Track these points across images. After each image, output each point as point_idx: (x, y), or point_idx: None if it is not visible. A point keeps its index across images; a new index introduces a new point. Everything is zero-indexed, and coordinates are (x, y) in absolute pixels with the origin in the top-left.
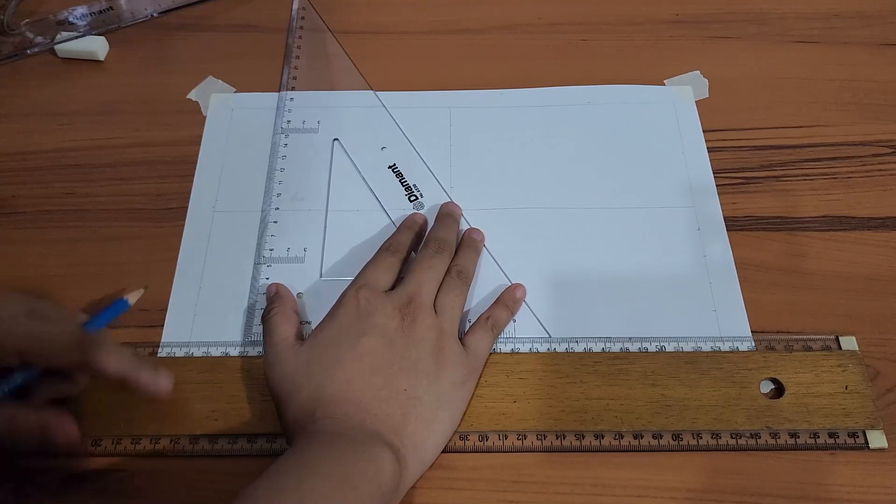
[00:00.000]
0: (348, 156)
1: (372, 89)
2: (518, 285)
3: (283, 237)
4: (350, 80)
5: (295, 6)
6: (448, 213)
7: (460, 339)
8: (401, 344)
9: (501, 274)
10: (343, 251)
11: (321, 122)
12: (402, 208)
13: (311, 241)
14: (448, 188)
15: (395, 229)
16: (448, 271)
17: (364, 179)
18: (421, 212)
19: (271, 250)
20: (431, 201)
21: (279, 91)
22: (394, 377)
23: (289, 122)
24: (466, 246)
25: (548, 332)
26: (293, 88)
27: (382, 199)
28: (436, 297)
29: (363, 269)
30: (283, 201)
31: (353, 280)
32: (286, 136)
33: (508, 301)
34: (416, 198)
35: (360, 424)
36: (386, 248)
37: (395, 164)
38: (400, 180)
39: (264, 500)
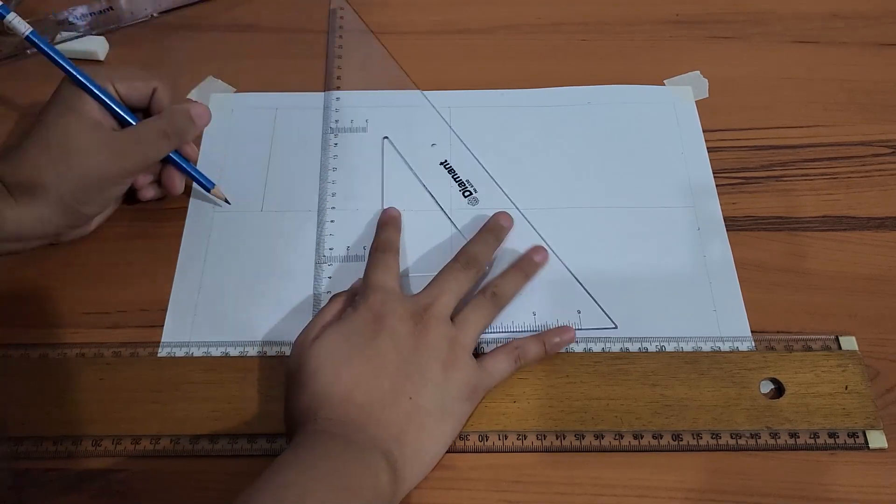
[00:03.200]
0: (399, 154)
1: (417, 87)
2: (565, 329)
3: (341, 236)
4: (394, 79)
5: (332, 6)
6: (491, 228)
7: (477, 355)
8: (412, 352)
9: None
10: (402, 248)
11: (369, 120)
12: (457, 203)
13: (369, 239)
14: (448, 188)
15: (452, 226)
16: (484, 289)
17: (417, 177)
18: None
19: (331, 249)
20: (486, 197)
21: (324, 91)
22: (400, 383)
23: (337, 121)
24: (517, 268)
25: (614, 323)
26: (338, 88)
27: (437, 196)
28: (461, 311)
29: (365, 274)
30: (338, 200)
31: (362, 283)
32: (336, 136)
33: (545, 336)
34: (471, 193)
35: (361, 429)
36: (375, 249)
37: (446, 161)
38: (453, 176)
39: (267, 497)
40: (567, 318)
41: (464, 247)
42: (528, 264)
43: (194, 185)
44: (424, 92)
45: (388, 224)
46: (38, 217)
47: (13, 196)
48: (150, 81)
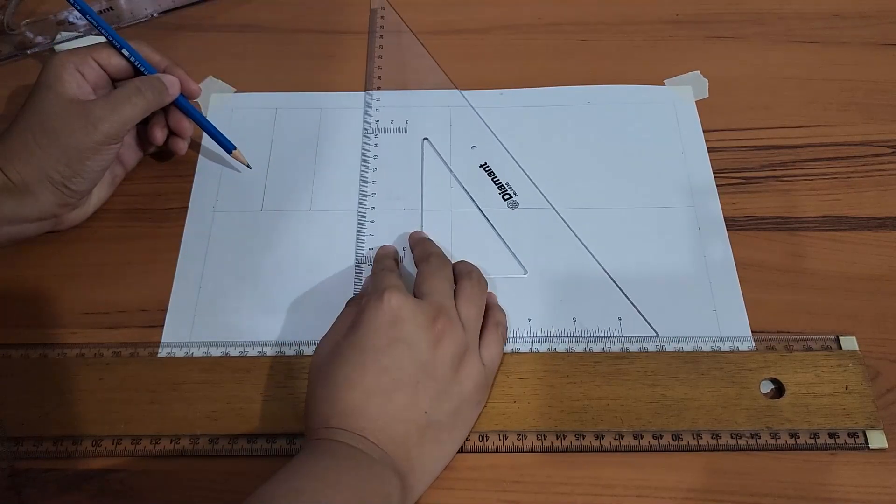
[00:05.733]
0: (439, 155)
1: (457, 88)
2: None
3: (381, 237)
4: (434, 79)
5: (373, 6)
6: (424, 237)
7: None
8: (428, 360)
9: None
10: (442, 249)
11: (409, 121)
12: (497, 207)
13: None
14: (448, 188)
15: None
16: (462, 279)
17: (457, 179)
18: (513, 209)
19: (370, 249)
20: (526, 200)
21: (364, 91)
22: (417, 397)
23: (377, 121)
24: (463, 261)
25: (655, 331)
26: (378, 88)
27: (477, 199)
28: (458, 309)
29: (376, 281)
30: (378, 201)
31: (372, 287)
32: (376, 136)
33: (497, 302)
34: (510, 196)
35: (374, 442)
36: (381, 269)
37: (486, 163)
38: (492, 179)
39: (281, 500)
40: (608, 325)
41: (418, 252)
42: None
43: (195, 187)
44: (464, 91)
45: (388, 255)
46: (32, 197)
47: (8, 177)
48: (165, 60)
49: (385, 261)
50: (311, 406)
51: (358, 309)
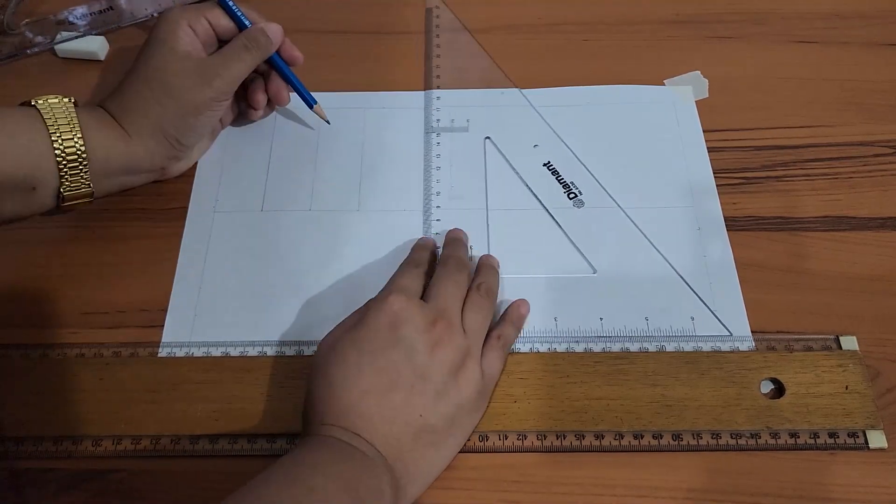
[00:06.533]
0: (502, 154)
1: (516, 86)
2: (523, 301)
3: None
4: (494, 78)
5: (429, 5)
6: (456, 238)
7: None
8: (425, 363)
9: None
10: (508, 248)
11: (470, 120)
12: (562, 205)
13: (475, 239)
14: (448, 188)
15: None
16: (471, 289)
17: (521, 178)
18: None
19: (438, 248)
20: (591, 199)
21: (424, 90)
22: (412, 399)
23: (438, 120)
24: (486, 266)
25: (729, 331)
26: (438, 87)
27: (542, 197)
28: (464, 316)
29: (392, 279)
30: (443, 200)
31: (385, 287)
32: (438, 136)
33: (514, 318)
34: (576, 195)
35: (368, 441)
36: (409, 262)
37: (549, 162)
38: (556, 178)
39: (275, 487)
40: (681, 325)
41: (444, 253)
42: (489, 262)
43: (195, 187)
44: (524, 90)
45: (422, 247)
46: (146, 148)
47: (125, 129)
48: (264, 23)
49: (416, 253)
50: (309, 403)
51: (363, 309)
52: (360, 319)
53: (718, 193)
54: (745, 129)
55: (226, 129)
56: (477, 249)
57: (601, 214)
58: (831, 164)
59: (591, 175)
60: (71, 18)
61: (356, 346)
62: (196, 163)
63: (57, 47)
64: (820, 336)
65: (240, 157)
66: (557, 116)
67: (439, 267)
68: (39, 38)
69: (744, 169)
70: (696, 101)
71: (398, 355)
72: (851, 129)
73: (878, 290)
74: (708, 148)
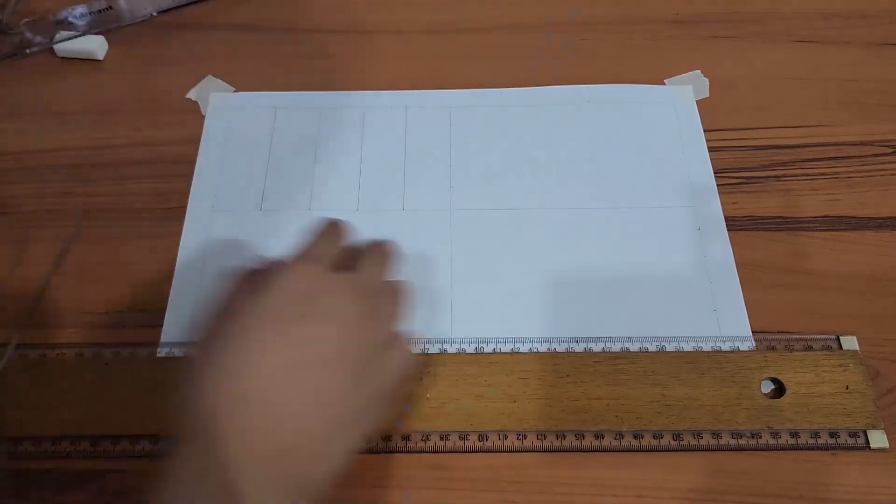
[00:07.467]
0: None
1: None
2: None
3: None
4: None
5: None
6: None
7: None
8: (347, 339)
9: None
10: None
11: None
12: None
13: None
14: (448, 188)
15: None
16: (372, 248)
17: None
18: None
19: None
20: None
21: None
22: (331, 380)
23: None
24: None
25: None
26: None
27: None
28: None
29: (300, 246)
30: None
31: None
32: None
33: (382, 253)
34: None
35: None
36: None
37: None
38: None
39: None
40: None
41: (370, 240)
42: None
43: (194, 187)
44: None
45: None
46: None
47: None
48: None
49: (324, 226)
50: (189, 400)
51: (257, 279)
52: (258, 289)
53: (718, 193)
54: (745, 128)
55: (226, 129)
56: (476, 249)
57: (600, 214)
58: (831, 163)
59: (591, 175)
60: (70, 18)
61: (256, 316)
62: (195, 163)
63: (56, 47)
64: (820, 336)
65: (239, 157)
66: (557, 115)
67: (313, 233)
68: (38, 38)
69: (744, 168)
70: (696, 101)
71: (314, 328)
72: (851, 128)
73: (879, 290)
74: (708, 147)
